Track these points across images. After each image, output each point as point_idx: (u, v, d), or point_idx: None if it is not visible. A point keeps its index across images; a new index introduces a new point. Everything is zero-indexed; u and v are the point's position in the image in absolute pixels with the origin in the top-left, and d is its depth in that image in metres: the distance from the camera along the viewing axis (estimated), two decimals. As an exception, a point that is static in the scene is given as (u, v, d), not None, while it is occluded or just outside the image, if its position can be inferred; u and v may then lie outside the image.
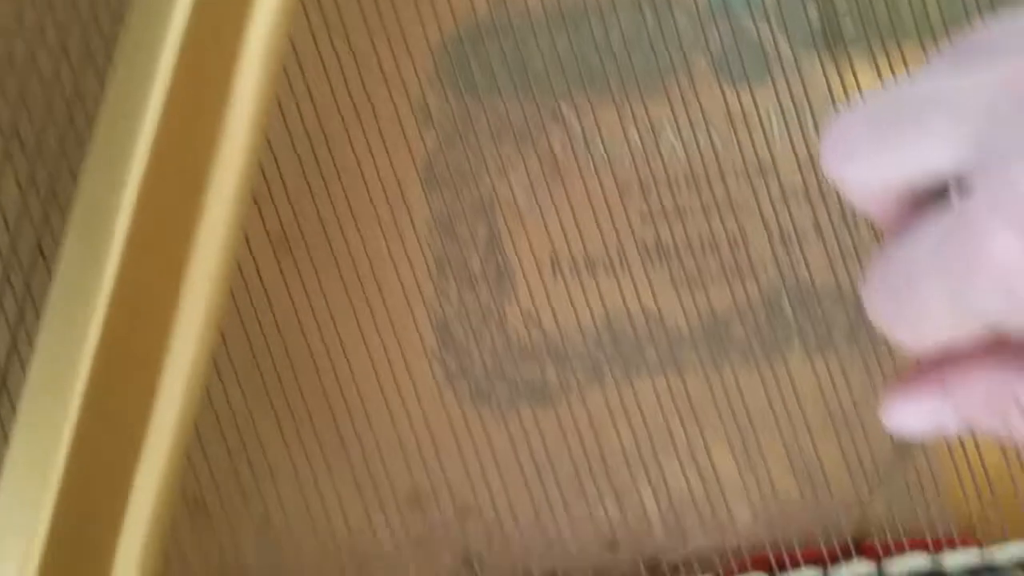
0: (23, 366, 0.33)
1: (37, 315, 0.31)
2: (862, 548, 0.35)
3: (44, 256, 0.34)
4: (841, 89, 0.38)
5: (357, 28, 0.36)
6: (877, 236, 0.38)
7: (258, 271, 0.34)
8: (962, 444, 0.37)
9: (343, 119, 0.36)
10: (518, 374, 0.37)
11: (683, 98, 0.38)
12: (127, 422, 0.29)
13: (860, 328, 0.38)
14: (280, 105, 0.35)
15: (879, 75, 0.39)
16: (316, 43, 0.35)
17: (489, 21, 0.37)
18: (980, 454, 0.37)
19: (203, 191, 0.30)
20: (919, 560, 0.33)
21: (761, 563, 0.35)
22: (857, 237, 0.38)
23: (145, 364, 0.30)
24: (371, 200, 0.36)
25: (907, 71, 0.38)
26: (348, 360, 0.36)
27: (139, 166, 0.28)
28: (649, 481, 0.36)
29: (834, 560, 0.35)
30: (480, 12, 0.37)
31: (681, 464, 0.36)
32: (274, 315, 0.35)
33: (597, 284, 0.37)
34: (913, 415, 0.21)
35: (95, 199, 0.28)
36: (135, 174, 0.28)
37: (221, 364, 0.34)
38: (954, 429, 0.20)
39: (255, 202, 0.35)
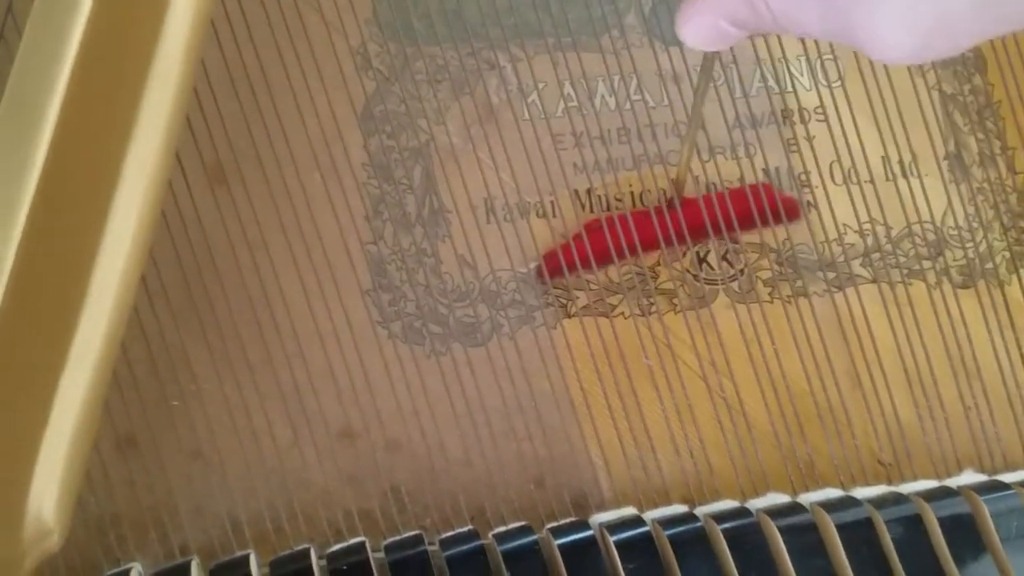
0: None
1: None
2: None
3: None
4: (767, 53, 0.40)
5: (298, -29, 0.37)
6: (798, 190, 0.40)
7: (193, 202, 0.35)
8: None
9: (282, 60, 0.36)
10: (451, 314, 0.38)
11: (616, 54, 0.39)
12: (46, 343, 0.29)
13: (781, 278, 0.39)
14: (219, 43, 0.36)
15: (803, 46, 0.41)
16: (257, -17, 0.36)
17: (429, -29, 0.38)
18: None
19: (130, 120, 0.30)
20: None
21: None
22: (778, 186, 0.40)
23: (65, 293, 0.29)
24: (309, 140, 0.37)
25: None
26: (283, 296, 0.36)
27: (62, 90, 0.28)
28: (577, 421, 0.37)
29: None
30: (420, -39, 0.38)
31: (609, 406, 0.37)
32: (209, 248, 0.35)
33: (531, 228, 0.38)
34: (695, 29, 0.28)
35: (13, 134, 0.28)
36: (56, 101, 0.28)
37: (155, 297, 0.34)
38: (730, 32, 0.27)
39: (192, 135, 0.35)
